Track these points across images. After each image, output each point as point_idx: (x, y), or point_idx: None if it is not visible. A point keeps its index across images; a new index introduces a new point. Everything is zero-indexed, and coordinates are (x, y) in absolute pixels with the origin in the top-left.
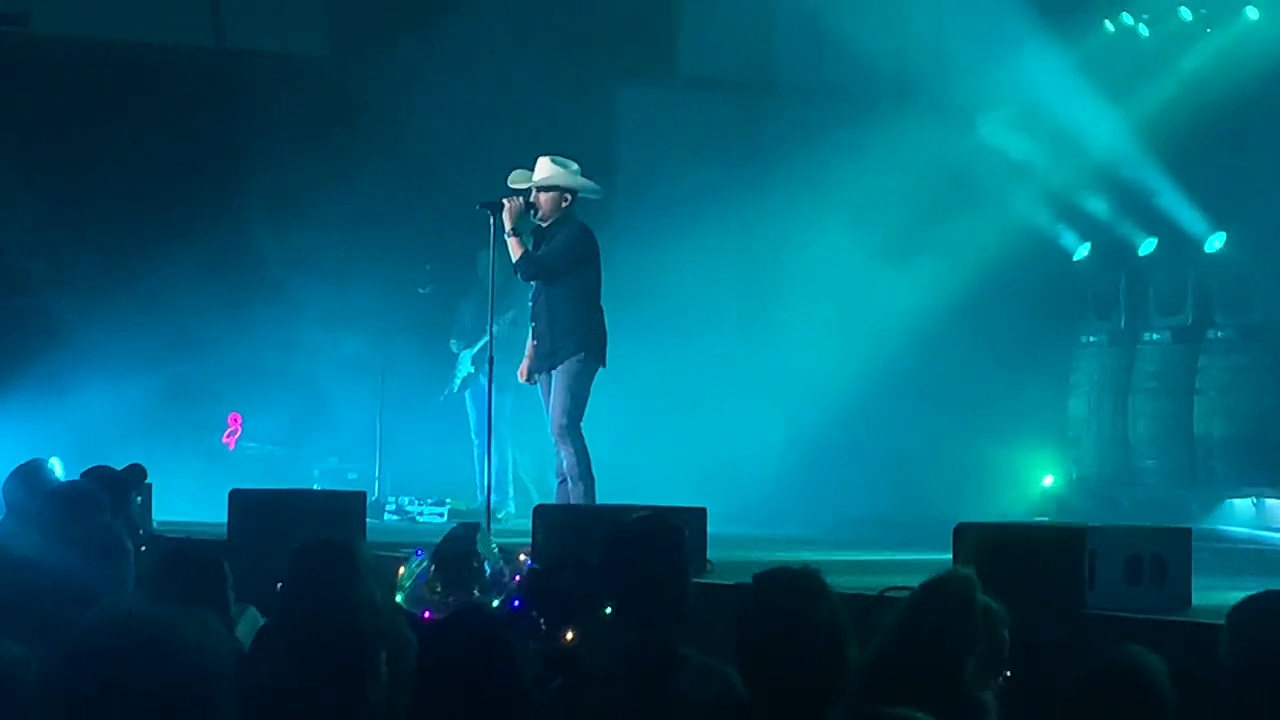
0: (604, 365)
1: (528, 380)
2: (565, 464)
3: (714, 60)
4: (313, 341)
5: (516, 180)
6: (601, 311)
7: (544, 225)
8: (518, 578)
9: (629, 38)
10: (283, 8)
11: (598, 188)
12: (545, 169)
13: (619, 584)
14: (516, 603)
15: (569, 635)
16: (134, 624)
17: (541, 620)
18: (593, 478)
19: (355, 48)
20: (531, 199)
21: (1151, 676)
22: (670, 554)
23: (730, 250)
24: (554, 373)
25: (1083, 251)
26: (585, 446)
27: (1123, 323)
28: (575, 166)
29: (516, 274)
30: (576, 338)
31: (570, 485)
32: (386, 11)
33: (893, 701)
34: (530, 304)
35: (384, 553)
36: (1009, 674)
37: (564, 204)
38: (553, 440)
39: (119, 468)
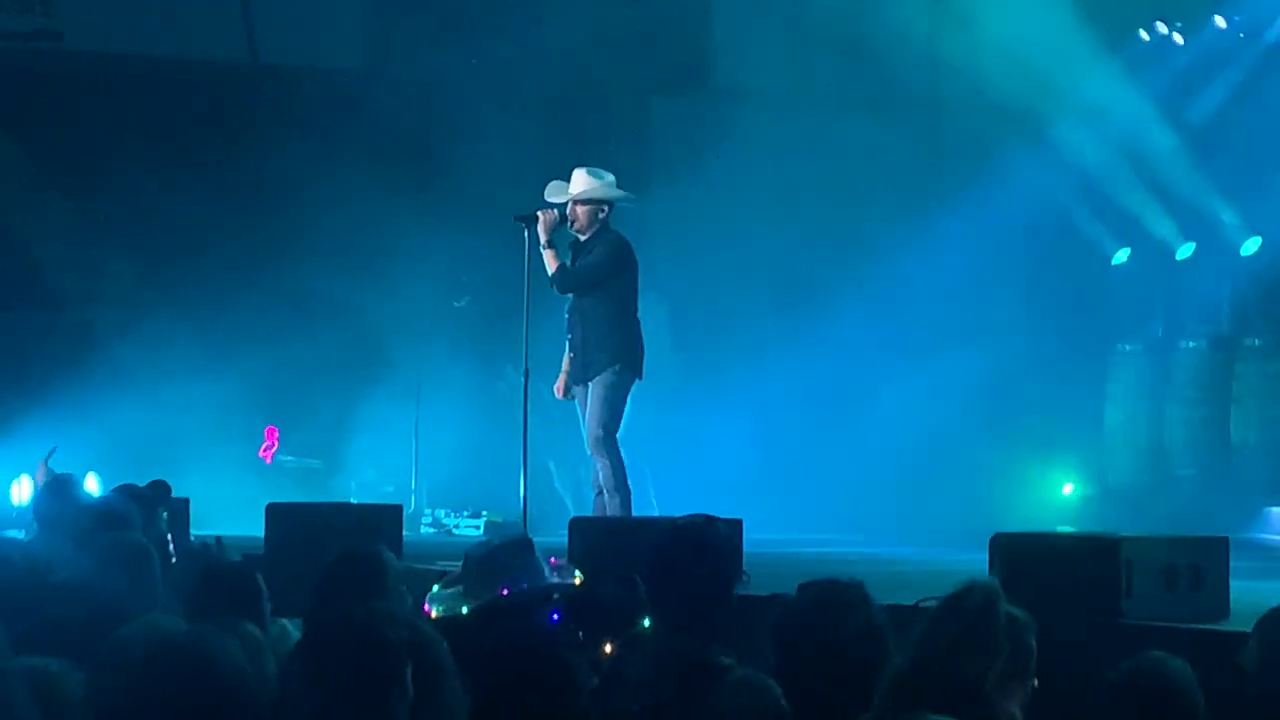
0: (640, 378)
1: (564, 395)
2: (601, 476)
3: (746, 70)
4: (348, 353)
5: (553, 192)
6: (638, 323)
7: (582, 238)
8: (552, 560)
9: (662, 48)
10: (317, 22)
11: (634, 197)
12: (581, 181)
13: (665, 587)
14: (555, 616)
15: (607, 648)
16: (172, 640)
17: (580, 633)
18: (629, 490)
19: (389, 61)
20: (568, 212)
21: (1178, 680)
22: (717, 559)
23: (764, 259)
24: (589, 384)
25: (1122, 256)
26: (621, 458)
27: (1160, 331)
28: (610, 177)
29: (553, 287)
30: (612, 349)
31: (606, 497)
32: (420, 25)
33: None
34: (566, 316)
35: (419, 565)
36: (1036, 683)
37: (601, 215)
38: (588, 452)
39: (155, 481)
